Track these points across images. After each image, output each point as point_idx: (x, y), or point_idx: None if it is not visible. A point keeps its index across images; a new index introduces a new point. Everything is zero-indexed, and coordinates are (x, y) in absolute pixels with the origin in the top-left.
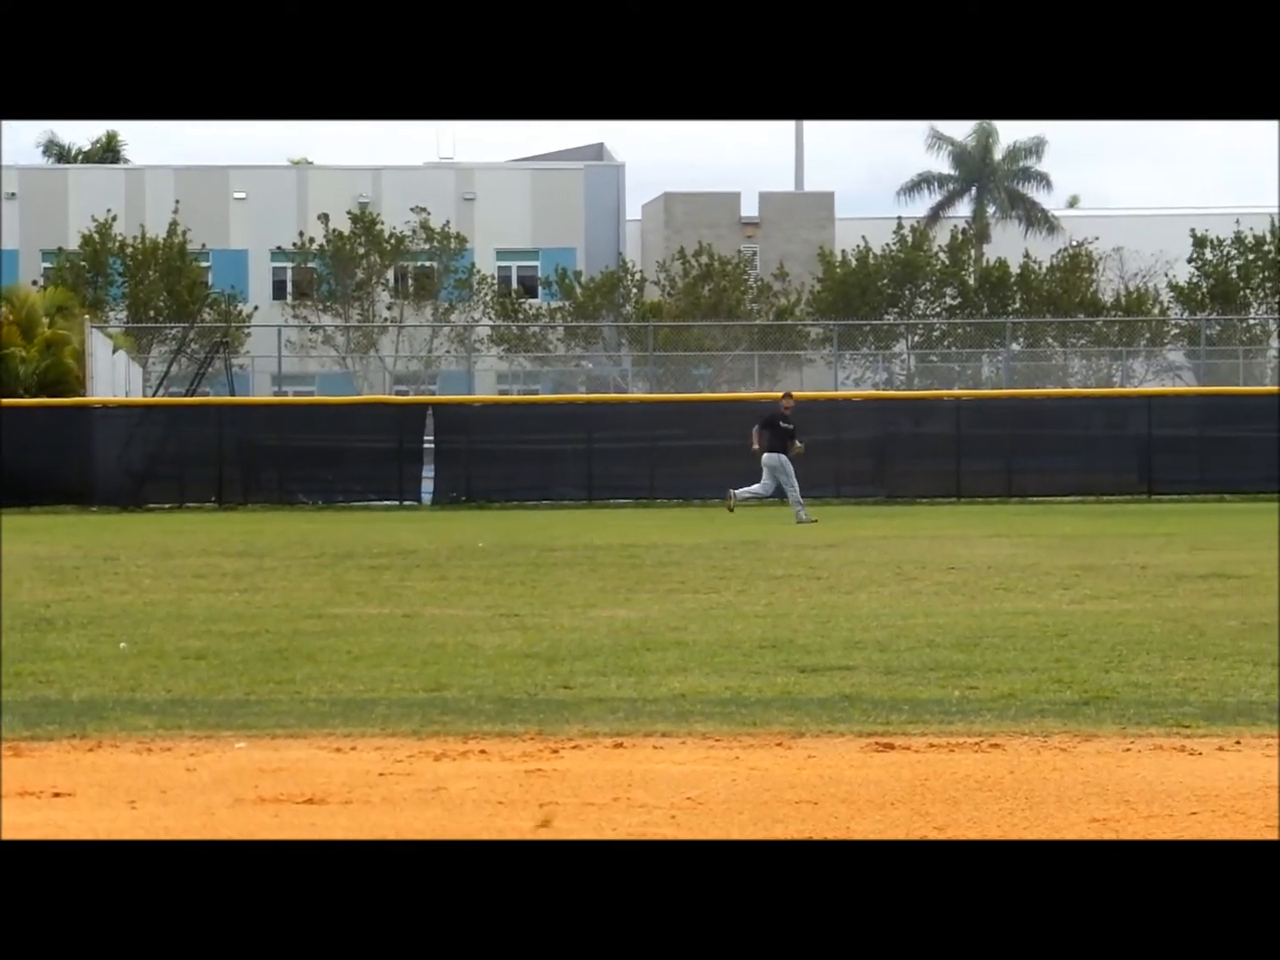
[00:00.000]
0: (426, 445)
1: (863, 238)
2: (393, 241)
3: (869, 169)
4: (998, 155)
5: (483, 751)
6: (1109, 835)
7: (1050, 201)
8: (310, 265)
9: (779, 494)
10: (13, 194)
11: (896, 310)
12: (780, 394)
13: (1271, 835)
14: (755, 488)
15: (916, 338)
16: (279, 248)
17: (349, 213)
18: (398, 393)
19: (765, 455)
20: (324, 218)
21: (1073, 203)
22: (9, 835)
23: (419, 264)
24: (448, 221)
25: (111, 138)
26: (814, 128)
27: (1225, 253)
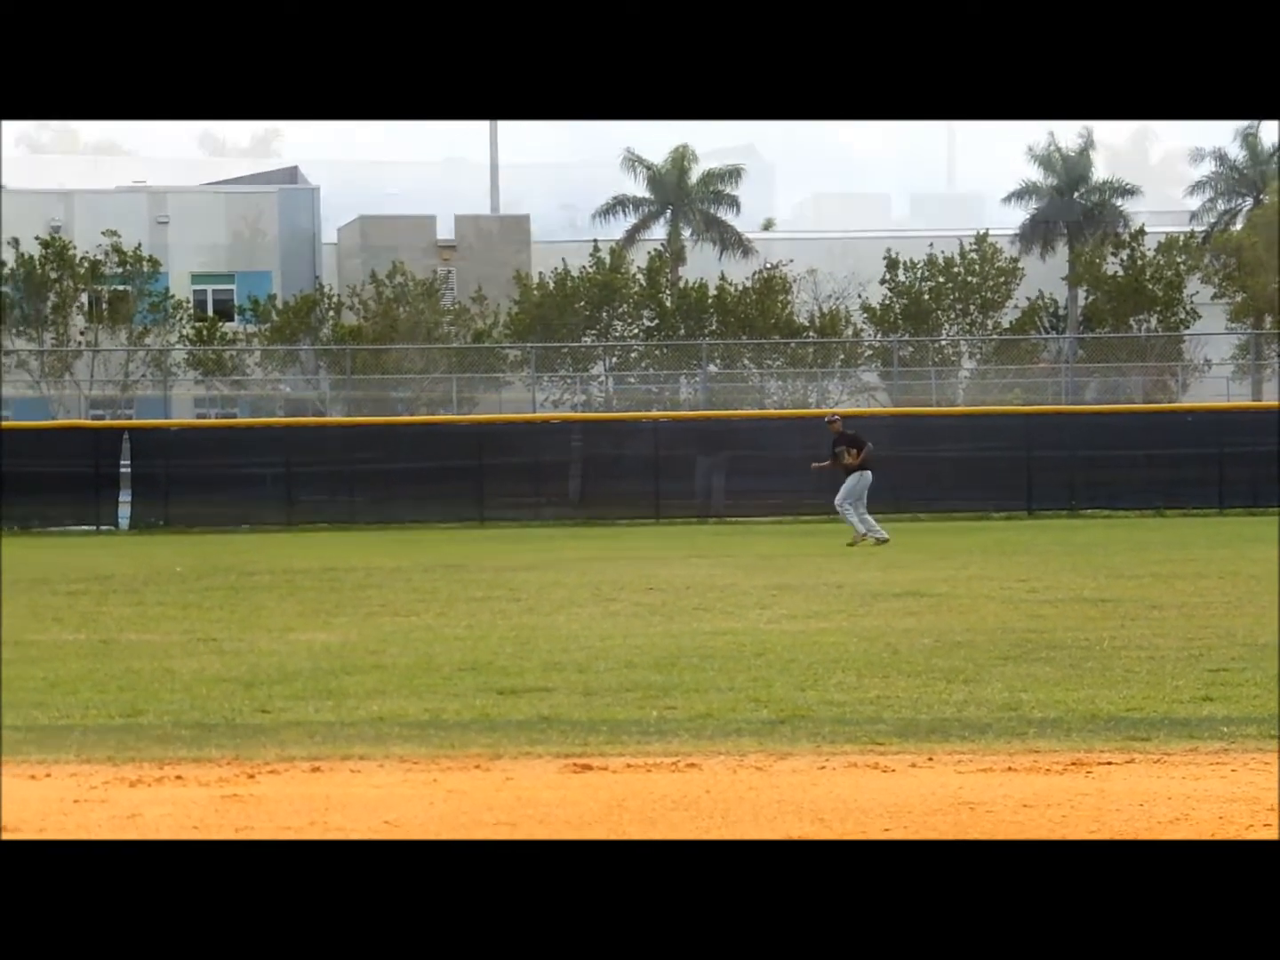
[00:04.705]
0: (123, 470)
1: (561, 260)
2: (85, 265)
3: (565, 193)
4: (693, 179)
5: (179, 777)
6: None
7: (744, 224)
8: (1, 289)
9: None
10: None
11: (594, 332)
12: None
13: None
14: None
15: (614, 360)
16: None
17: (37, 237)
18: (94, 417)
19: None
20: (14, 242)
21: (768, 226)
22: None
23: (113, 288)
24: (139, 244)
25: None
26: (508, 151)
27: (918, 274)
